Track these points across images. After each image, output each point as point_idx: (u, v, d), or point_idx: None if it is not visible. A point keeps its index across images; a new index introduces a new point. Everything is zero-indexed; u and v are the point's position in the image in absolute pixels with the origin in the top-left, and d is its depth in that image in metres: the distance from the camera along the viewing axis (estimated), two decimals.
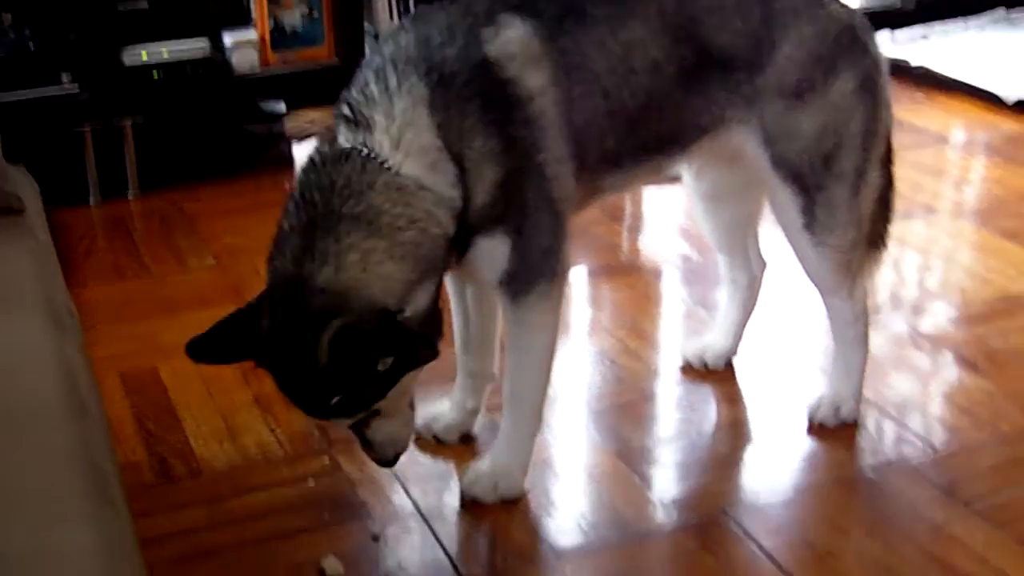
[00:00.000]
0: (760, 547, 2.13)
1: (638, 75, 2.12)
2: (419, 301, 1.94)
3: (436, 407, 2.47)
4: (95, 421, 1.53)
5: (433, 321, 2.00)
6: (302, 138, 4.14)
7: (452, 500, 2.27)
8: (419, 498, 2.28)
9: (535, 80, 2.02)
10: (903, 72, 4.74)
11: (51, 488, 1.30)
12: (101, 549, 1.20)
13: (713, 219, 2.61)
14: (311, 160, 1.97)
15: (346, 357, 1.82)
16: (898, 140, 4.09)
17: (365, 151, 1.92)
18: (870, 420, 2.52)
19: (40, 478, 1.32)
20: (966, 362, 2.74)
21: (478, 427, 2.47)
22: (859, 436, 2.47)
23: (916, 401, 2.62)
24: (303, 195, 1.92)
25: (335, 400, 1.88)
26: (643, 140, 2.20)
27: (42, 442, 1.38)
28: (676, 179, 2.62)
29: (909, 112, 4.41)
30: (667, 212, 3.65)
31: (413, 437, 2.17)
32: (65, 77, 3.56)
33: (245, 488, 2.32)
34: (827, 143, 2.26)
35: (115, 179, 3.74)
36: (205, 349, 1.89)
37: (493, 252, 2.07)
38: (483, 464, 2.28)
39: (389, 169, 1.92)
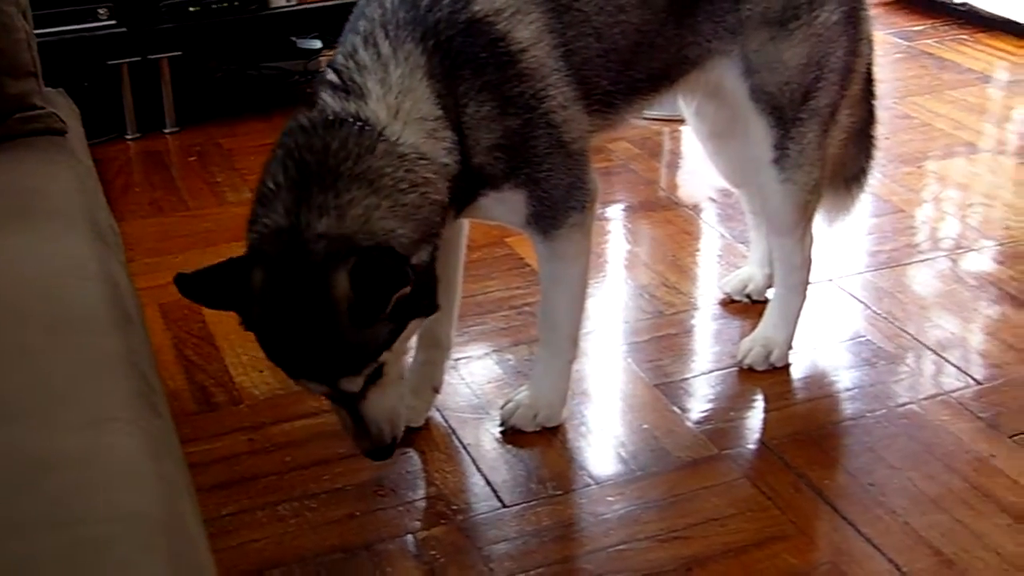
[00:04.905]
0: (802, 476, 2.13)
1: (627, 12, 2.07)
2: (421, 257, 1.86)
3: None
4: (138, 332, 1.53)
5: (431, 279, 1.93)
6: None
7: (492, 429, 2.27)
8: (458, 427, 2.29)
9: (527, 31, 1.95)
10: (945, 10, 4.68)
11: (99, 392, 1.30)
12: (149, 451, 1.21)
13: (721, 156, 2.60)
14: (298, 124, 1.85)
15: (367, 290, 1.71)
16: (940, 79, 4.09)
17: (359, 124, 1.83)
18: (911, 355, 2.50)
19: (89, 383, 1.33)
20: (1011, 298, 2.71)
21: (517, 360, 2.49)
22: (901, 370, 2.45)
23: (960, 336, 2.59)
24: (291, 156, 1.81)
25: (349, 348, 1.77)
26: (635, 79, 2.15)
27: (90, 349, 1.39)
28: (682, 121, 2.57)
29: (951, 51, 4.36)
30: None
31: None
32: (102, 12, 3.55)
33: (285, 416, 2.33)
34: (808, 75, 2.24)
35: (152, 114, 3.75)
36: (194, 287, 1.78)
37: (505, 203, 2.05)
38: (523, 393, 2.28)
39: (388, 139, 1.84)
